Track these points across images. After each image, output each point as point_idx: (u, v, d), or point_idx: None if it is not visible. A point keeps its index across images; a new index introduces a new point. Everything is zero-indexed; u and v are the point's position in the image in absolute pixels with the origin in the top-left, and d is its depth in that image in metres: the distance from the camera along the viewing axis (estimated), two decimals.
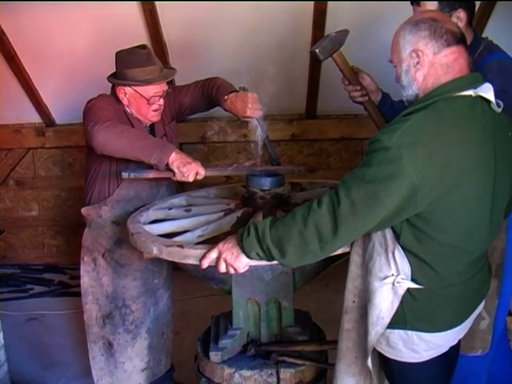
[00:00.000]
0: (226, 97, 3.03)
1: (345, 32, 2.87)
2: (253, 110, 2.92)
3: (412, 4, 2.71)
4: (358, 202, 1.88)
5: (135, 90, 3.04)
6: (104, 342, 3.30)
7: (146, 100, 3.04)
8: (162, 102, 3.11)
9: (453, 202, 1.94)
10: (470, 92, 1.98)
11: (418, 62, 2.02)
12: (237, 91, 3.03)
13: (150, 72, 3.03)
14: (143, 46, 3.10)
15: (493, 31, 4.28)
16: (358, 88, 2.95)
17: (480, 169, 1.97)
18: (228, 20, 4.62)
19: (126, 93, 3.07)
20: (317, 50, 2.79)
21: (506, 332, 3.12)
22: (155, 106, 3.09)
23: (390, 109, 2.99)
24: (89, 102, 3.05)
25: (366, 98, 2.98)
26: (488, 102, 2.02)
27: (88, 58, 4.83)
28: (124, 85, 3.05)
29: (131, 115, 3.10)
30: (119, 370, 3.31)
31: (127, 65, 3.02)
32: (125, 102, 3.09)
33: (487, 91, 2.00)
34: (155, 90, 3.05)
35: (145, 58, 3.04)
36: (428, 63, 2.01)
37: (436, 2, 2.57)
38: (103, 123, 2.80)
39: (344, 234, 1.93)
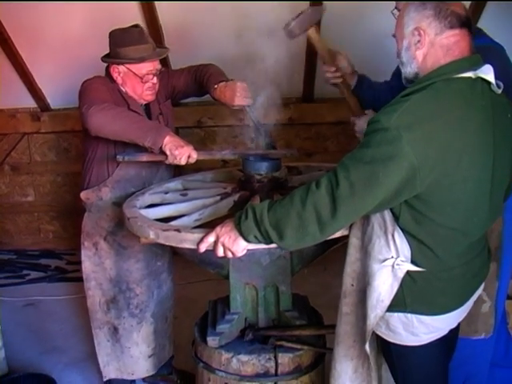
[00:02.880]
0: (216, 86, 3.05)
1: (320, 8, 2.83)
2: (241, 98, 2.93)
3: None
4: (356, 183, 1.87)
5: (129, 69, 3.04)
6: (109, 328, 3.31)
7: (139, 78, 3.05)
8: (155, 80, 3.11)
9: (452, 184, 1.92)
10: (470, 74, 1.96)
11: (418, 41, 2.00)
12: (226, 81, 3.04)
13: (143, 50, 3.03)
14: (136, 25, 3.11)
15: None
16: (333, 69, 2.93)
17: (479, 150, 1.95)
18: (224, 3, 4.59)
19: (119, 72, 3.07)
20: (289, 27, 2.80)
21: (504, 315, 3.13)
22: (149, 85, 3.09)
23: (368, 90, 2.98)
24: (84, 83, 3.05)
25: (340, 80, 2.96)
26: (488, 83, 2.00)
27: (83, 42, 4.80)
28: (118, 63, 3.05)
29: (126, 94, 3.10)
30: (125, 356, 3.32)
31: (120, 43, 3.02)
32: (119, 80, 3.09)
33: (487, 72, 1.98)
34: (149, 67, 3.06)
35: (138, 36, 3.04)
36: (428, 43, 1.99)
37: None
38: (98, 105, 2.81)
39: (343, 216, 1.92)
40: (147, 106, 3.19)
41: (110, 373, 3.38)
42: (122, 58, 3.03)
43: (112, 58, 3.07)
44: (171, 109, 3.38)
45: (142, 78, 3.05)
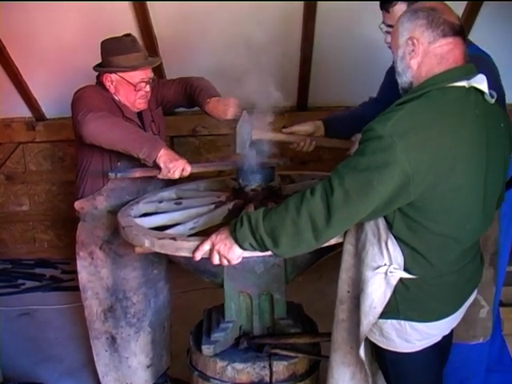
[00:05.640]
0: (209, 100, 3.09)
1: (244, 115, 2.88)
2: (234, 112, 2.97)
3: (381, 10, 2.72)
4: (351, 190, 1.88)
5: (121, 77, 3.06)
6: (107, 337, 3.31)
7: (132, 86, 3.07)
8: (148, 88, 3.13)
9: (445, 192, 1.94)
10: (464, 83, 1.97)
11: (412, 50, 2.02)
12: (218, 95, 3.10)
13: (136, 58, 3.06)
14: (128, 34, 3.13)
15: (479, 31, 4.30)
16: (302, 143, 3.09)
17: (472, 158, 1.97)
18: (218, 13, 4.61)
19: (112, 80, 3.08)
20: (243, 151, 2.84)
21: (498, 321, 3.14)
22: (142, 93, 3.11)
23: (341, 125, 3.12)
24: (76, 92, 3.06)
25: (314, 143, 3.10)
26: (481, 92, 2.02)
27: (78, 51, 4.80)
28: (110, 72, 3.06)
29: (120, 102, 3.11)
30: (124, 366, 3.32)
31: (112, 52, 3.04)
32: (111, 89, 3.10)
33: (481, 82, 2.00)
34: (141, 75, 3.08)
35: (130, 45, 3.07)
36: (422, 52, 2.00)
37: (404, 6, 2.57)
38: (95, 113, 2.82)
39: (337, 223, 1.93)
40: (139, 114, 3.21)
41: (109, 382, 3.38)
42: (114, 67, 3.04)
43: (104, 67, 3.08)
44: (162, 117, 3.40)
45: (135, 86, 3.06)
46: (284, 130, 3.09)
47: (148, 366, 3.35)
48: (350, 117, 3.13)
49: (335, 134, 3.10)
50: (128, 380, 3.34)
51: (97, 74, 3.17)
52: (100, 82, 3.13)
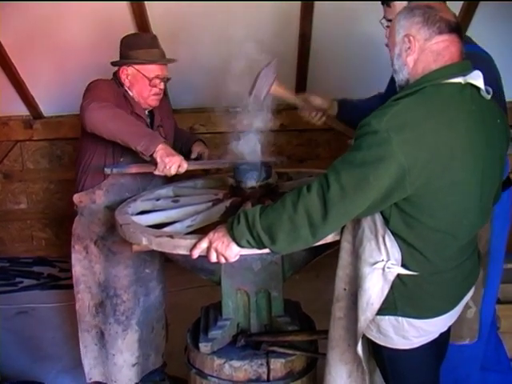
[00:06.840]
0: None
1: (273, 65, 2.89)
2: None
3: (382, 4, 2.72)
4: (347, 185, 1.88)
5: (138, 70, 3.10)
6: (97, 331, 3.30)
7: (148, 80, 3.11)
8: (162, 86, 3.18)
9: (441, 187, 1.94)
10: (460, 79, 1.98)
11: (409, 47, 2.03)
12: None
13: (154, 54, 3.13)
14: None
15: (476, 31, 4.29)
16: (314, 113, 3.10)
17: (469, 153, 1.97)
18: (216, 13, 4.61)
19: (128, 74, 3.12)
20: (253, 95, 2.86)
21: (494, 320, 3.14)
22: (156, 90, 3.15)
23: (353, 111, 3.09)
24: (91, 82, 3.09)
25: (324, 119, 3.12)
26: (478, 88, 2.03)
27: (75, 50, 4.81)
28: (128, 64, 3.11)
29: (132, 99, 3.14)
30: (110, 362, 3.30)
31: (132, 46, 3.11)
32: (126, 83, 3.14)
33: (477, 78, 2.01)
34: (157, 71, 3.13)
35: (150, 41, 3.16)
36: (419, 49, 2.01)
37: (405, 2, 2.58)
38: (100, 102, 2.85)
39: (334, 219, 1.93)
40: (151, 115, 3.26)
41: (95, 376, 3.37)
42: (133, 60, 3.10)
43: (123, 60, 3.14)
44: (173, 130, 3.46)
45: (150, 81, 3.10)
46: (300, 96, 3.08)
47: (133, 365, 3.31)
48: (362, 107, 3.11)
49: (345, 119, 3.10)
50: (113, 377, 3.31)
51: (114, 70, 3.21)
52: (117, 78, 3.16)
